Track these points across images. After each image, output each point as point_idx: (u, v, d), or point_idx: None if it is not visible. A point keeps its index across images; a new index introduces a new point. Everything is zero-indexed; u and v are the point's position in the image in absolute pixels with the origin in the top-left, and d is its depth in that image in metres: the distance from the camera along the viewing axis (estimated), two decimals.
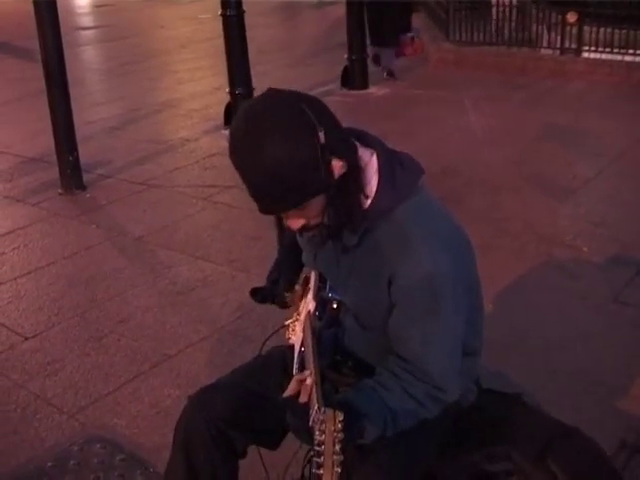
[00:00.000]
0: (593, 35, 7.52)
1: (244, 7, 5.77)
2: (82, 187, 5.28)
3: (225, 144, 1.59)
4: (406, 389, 1.64)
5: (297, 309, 1.93)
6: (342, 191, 1.59)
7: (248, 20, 5.82)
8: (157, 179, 5.44)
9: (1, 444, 2.76)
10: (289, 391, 1.58)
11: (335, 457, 1.35)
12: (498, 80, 7.55)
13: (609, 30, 7.40)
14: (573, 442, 1.80)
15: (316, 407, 1.41)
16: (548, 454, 1.73)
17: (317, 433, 1.36)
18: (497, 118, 6.31)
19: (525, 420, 1.87)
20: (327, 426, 1.35)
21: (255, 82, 5.90)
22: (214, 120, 6.71)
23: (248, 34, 5.85)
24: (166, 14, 14.37)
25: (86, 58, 10.68)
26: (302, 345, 1.78)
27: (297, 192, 1.53)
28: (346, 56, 7.50)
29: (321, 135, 1.50)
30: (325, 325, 1.81)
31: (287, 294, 1.96)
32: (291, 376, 1.66)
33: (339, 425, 1.35)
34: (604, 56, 7.45)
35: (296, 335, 1.88)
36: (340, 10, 8.79)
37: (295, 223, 1.63)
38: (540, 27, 8.11)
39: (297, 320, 1.91)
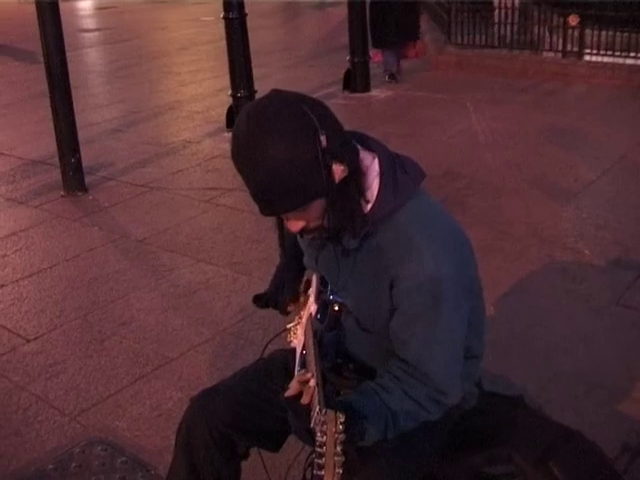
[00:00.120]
0: (595, 38, 7.54)
1: (246, 9, 5.78)
2: (84, 189, 5.29)
3: (227, 147, 1.59)
4: (407, 392, 1.64)
5: (299, 312, 1.94)
6: (343, 195, 1.59)
7: (249, 22, 5.82)
8: (159, 181, 5.44)
9: (2, 446, 2.76)
10: (291, 391, 1.59)
11: (336, 458, 1.36)
12: (500, 83, 7.55)
13: (611, 33, 7.42)
14: (575, 445, 1.80)
15: (317, 408, 1.41)
16: (550, 457, 1.73)
17: (318, 434, 1.37)
18: (499, 121, 6.31)
19: (527, 423, 1.86)
20: (328, 427, 1.36)
21: (257, 84, 5.90)
22: (216, 122, 6.72)
23: (250, 36, 5.85)
24: (169, 16, 14.42)
25: (88, 60, 10.71)
26: (304, 348, 1.78)
27: (297, 194, 1.54)
28: (348, 58, 7.51)
29: (323, 139, 1.50)
30: (327, 327, 1.81)
31: (290, 307, 1.95)
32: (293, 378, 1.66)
33: (340, 426, 1.36)
34: (606, 59, 7.46)
35: (298, 338, 1.88)
36: (342, 11, 8.80)
37: (295, 225, 1.63)
38: (542, 30, 8.13)
39: (299, 323, 1.91)
